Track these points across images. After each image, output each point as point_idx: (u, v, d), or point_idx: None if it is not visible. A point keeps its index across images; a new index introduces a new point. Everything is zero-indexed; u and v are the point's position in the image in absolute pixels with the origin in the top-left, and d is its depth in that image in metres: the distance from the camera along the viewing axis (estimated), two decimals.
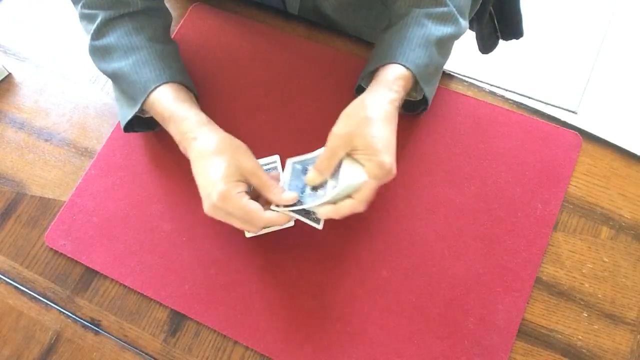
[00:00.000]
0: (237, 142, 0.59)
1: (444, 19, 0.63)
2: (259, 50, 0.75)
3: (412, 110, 0.68)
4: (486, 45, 1.01)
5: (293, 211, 0.58)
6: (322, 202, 0.56)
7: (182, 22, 0.78)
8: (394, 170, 0.57)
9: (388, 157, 0.56)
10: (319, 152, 0.59)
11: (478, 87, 0.72)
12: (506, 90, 1.63)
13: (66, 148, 0.73)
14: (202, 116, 0.61)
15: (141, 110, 0.63)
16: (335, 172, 0.57)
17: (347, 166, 0.56)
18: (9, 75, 0.78)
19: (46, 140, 0.74)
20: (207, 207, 0.57)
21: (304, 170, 0.61)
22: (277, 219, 0.57)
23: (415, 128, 0.69)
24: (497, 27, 0.97)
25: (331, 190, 0.56)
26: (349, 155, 0.57)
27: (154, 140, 0.71)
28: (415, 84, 0.62)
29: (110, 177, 0.70)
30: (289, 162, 0.62)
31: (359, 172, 0.56)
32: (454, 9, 0.64)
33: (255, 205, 0.56)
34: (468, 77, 0.76)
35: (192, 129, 0.60)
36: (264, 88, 0.73)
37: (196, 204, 0.67)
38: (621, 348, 0.59)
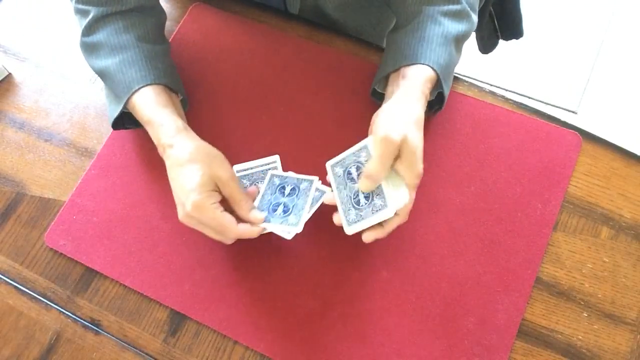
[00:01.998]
0: (214, 152, 0.59)
1: (459, 16, 0.63)
2: (259, 50, 0.75)
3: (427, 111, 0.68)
4: (486, 45, 1.01)
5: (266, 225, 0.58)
6: (372, 223, 0.55)
7: (182, 22, 0.78)
8: None
9: (422, 165, 0.55)
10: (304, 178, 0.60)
11: (478, 87, 0.72)
12: (506, 90, 1.63)
13: (66, 148, 0.73)
14: (179, 123, 0.61)
15: (126, 108, 0.64)
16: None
17: (390, 185, 0.55)
18: (9, 75, 0.78)
19: (46, 140, 0.74)
20: (181, 216, 0.57)
21: (281, 189, 0.61)
22: (249, 232, 0.57)
23: None
24: (497, 27, 0.97)
25: (377, 215, 0.54)
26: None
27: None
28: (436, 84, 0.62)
29: (110, 177, 0.70)
30: (316, 181, 0.61)
31: (403, 192, 0.55)
32: (467, 6, 0.63)
33: (228, 217, 0.56)
34: (468, 77, 0.76)
35: (168, 136, 0.59)
36: (264, 88, 0.73)
37: None
38: (621, 348, 0.59)
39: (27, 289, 0.66)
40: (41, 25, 0.82)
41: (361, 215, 0.56)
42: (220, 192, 0.57)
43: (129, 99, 0.61)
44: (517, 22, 0.96)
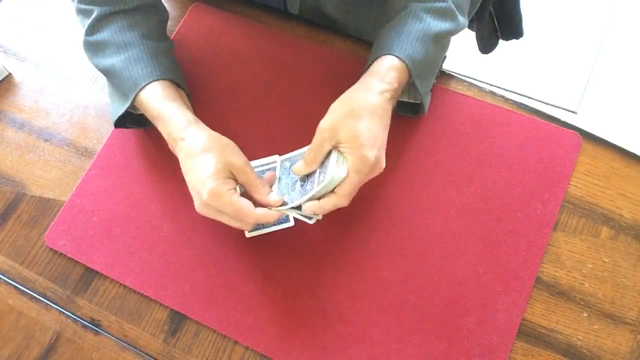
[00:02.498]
0: (226, 140, 0.59)
1: (443, 14, 0.63)
2: (259, 50, 0.75)
3: (416, 113, 0.68)
4: (486, 45, 1.01)
5: (285, 209, 0.58)
6: (307, 198, 0.56)
7: (182, 22, 0.78)
8: (382, 165, 0.57)
9: (372, 151, 0.55)
10: (307, 148, 0.59)
11: (478, 87, 0.72)
12: (506, 90, 1.63)
13: (66, 148, 0.73)
14: (189, 115, 0.61)
15: (132, 106, 0.64)
16: (323, 167, 0.57)
17: (333, 161, 0.56)
18: (9, 75, 0.78)
19: (46, 140, 0.74)
20: (198, 206, 0.57)
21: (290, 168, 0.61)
22: (268, 216, 0.57)
23: (415, 128, 0.69)
24: (497, 27, 0.97)
25: (316, 186, 0.56)
26: (335, 148, 0.56)
27: (154, 140, 0.71)
28: (410, 88, 0.62)
29: (110, 177, 0.70)
30: (278, 160, 0.63)
31: (342, 167, 0.55)
32: (453, 5, 0.63)
33: (245, 202, 0.55)
34: (468, 77, 0.76)
35: (179, 129, 0.59)
36: (264, 88, 0.73)
37: None
38: (621, 348, 0.59)
39: (27, 289, 0.66)
40: (41, 25, 0.82)
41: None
42: (235, 180, 0.57)
43: (136, 95, 0.62)
44: (517, 22, 0.96)
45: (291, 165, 0.61)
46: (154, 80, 0.62)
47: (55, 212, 0.69)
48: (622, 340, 0.60)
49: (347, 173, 0.55)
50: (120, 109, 0.64)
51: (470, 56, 1.11)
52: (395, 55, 0.59)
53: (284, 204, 0.58)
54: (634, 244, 0.63)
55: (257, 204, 0.57)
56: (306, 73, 0.74)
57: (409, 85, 0.64)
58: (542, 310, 0.61)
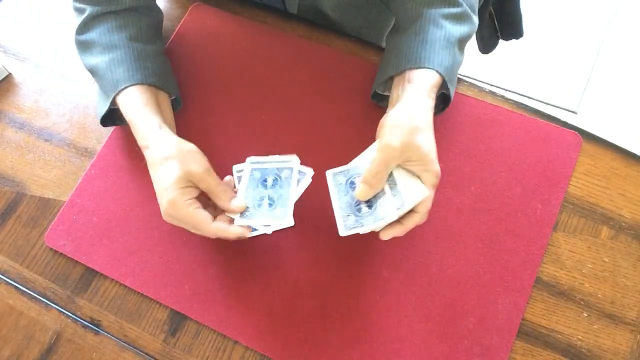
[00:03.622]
0: (187, 147, 0.58)
1: (460, 18, 0.63)
2: (259, 50, 0.75)
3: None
4: (486, 45, 1.01)
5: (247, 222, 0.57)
6: (387, 222, 0.54)
7: (182, 22, 0.78)
8: None
9: (439, 166, 0.56)
10: (280, 160, 0.59)
11: (478, 87, 0.72)
12: (506, 90, 1.63)
13: (66, 148, 0.73)
14: (155, 122, 0.61)
15: (116, 106, 0.64)
16: (390, 187, 0.56)
17: (405, 181, 0.55)
18: (9, 75, 0.78)
19: (46, 140, 0.74)
20: (162, 215, 0.58)
21: (263, 181, 0.59)
22: (225, 231, 0.56)
23: None
24: (497, 27, 0.97)
25: (394, 210, 0.54)
26: (399, 166, 0.55)
27: None
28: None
29: (110, 177, 0.70)
30: (249, 166, 0.60)
31: (420, 187, 0.55)
32: (467, 8, 0.64)
33: (202, 215, 0.56)
34: (468, 77, 0.76)
35: (144, 137, 0.60)
36: (264, 88, 0.73)
37: None
38: (621, 348, 0.59)
39: (27, 289, 0.66)
40: (41, 25, 0.82)
41: (361, 223, 0.55)
42: (197, 187, 0.57)
43: (115, 97, 0.62)
44: (517, 22, 0.96)
45: (261, 177, 0.59)
46: (133, 85, 0.62)
47: (55, 212, 0.69)
48: (622, 340, 0.60)
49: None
50: (103, 108, 0.65)
51: (470, 56, 1.11)
52: (434, 69, 0.59)
53: (358, 225, 0.55)
54: (634, 244, 0.63)
55: (220, 211, 0.58)
56: (306, 73, 0.74)
57: None
58: (542, 310, 0.61)
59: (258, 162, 0.61)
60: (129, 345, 0.63)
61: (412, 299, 0.62)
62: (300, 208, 0.66)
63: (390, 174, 0.55)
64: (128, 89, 0.62)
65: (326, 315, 0.62)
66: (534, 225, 0.64)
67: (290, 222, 0.61)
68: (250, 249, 0.65)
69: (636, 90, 1.60)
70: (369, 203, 0.56)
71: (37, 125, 0.75)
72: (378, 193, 0.55)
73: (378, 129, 0.59)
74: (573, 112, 1.60)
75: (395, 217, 0.54)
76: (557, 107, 1.61)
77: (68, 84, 0.77)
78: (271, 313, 0.62)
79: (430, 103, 0.58)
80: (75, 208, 0.69)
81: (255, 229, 0.63)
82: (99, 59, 0.64)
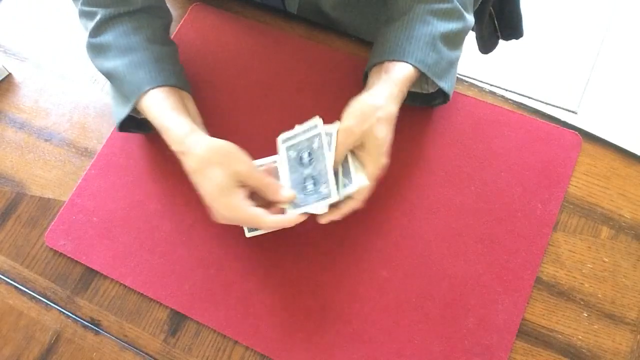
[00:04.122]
0: (226, 148, 0.58)
1: (449, 15, 0.63)
2: (259, 50, 0.75)
3: (427, 103, 0.69)
4: (486, 45, 1.01)
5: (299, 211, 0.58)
6: (327, 203, 0.56)
7: (182, 22, 0.78)
8: None
9: (386, 159, 0.58)
10: (306, 128, 0.59)
11: (478, 87, 0.72)
12: (506, 90, 1.63)
13: (66, 148, 0.73)
14: (187, 125, 0.60)
15: (134, 111, 0.63)
16: (340, 170, 0.58)
17: (353, 168, 0.57)
18: (9, 75, 0.78)
19: (46, 140, 0.74)
20: (215, 218, 0.58)
21: (299, 160, 0.60)
22: (283, 221, 0.57)
23: (415, 128, 0.69)
24: (497, 27, 0.97)
25: (336, 193, 0.56)
26: (351, 151, 0.58)
27: (154, 140, 0.71)
28: (420, 79, 0.64)
29: (110, 177, 0.70)
30: (282, 146, 0.61)
31: (362, 177, 0.57)
32: (459, 5, 0.64)
33: (258, 212, 0.56)
34: (468, 77, 0.76)
35: (178, 142, 0.59)
36: (264, 88, 0.73)
37: (196, 204, 0.67)
38: (621, 348, 0.59)
39: (27, 289, 0.66)
40: (41, 25, 0.82)
41: (306, 201, 0.58)
42: (244, 187, 0.57)
43: (138, 100, 0.61)
44: (517, 22, 0.95)
45: (297, 155, 0.60)
46: (156, 87, 0.61)
47: (55, 212, 0.69)
48: (622, 340, 0.60)
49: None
50: (123, 112, 0.63)
51: (470, 56, 1.11)
52: (410, 63, 0.60)
53: (302, 204, 0.58)
54: (634, 244, 0.63)
55: (270, 204, 0.58)
56: (306, 73, 0.74)
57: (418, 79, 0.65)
58: (542, 310, 0.61)
59: (289, 139, 0.61)
60: (129, 345, 0.63)
61: (412, 299, 0.62)
62: None
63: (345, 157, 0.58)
64: (151, 91, 0.61)
65: (326, 315, 0.62)
66: (534, 225, 0.64)
67: (335, 196, 0.59)
68: (250, 249, 0.65)
69: (636, 90, 1.60)
70: (314, 183, 0.58)
71: (37, 125, 0.75)
72: (323, 174, 0.58)
73: (345, 109, 0.60)
74: (573, 112, 1.60)
75: (337, 199, 0.56)
76: (557, 107, 1.61)
77: (68, 84, 0.77)
78: (271, 313, 0.62)
79: (399, 97, 0.60)
80: (75, 208, 0.69)
81: (257, 229, 0.64)
82: (117, 62, 0.63)
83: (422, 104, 0.69)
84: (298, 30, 0.77)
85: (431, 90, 0.67)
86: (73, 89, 0.77)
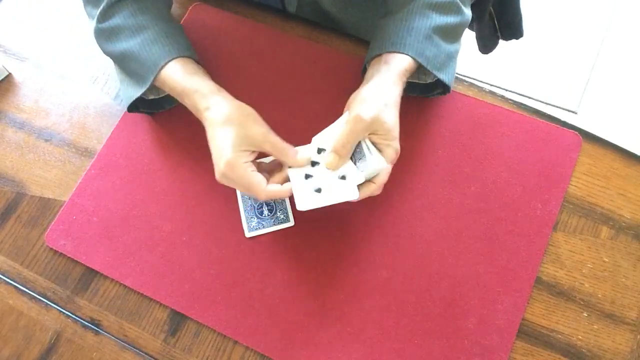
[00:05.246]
0: (247, 110, 0.60)
1: (447, 9, 0.64)
2: (259, 50, 0.75)
3: (425, 93, 0.70)
4: (486, 45, 1.01)
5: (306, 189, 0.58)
6: (346, 187, 0.57)
7: (182, 22, 0.78)
8: None
9: (399, 144, 0.59)
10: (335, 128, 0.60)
11: (478, 87, 0.72)
12: (506, 90, 1.63)
13: (66, 148, 0.73)
14: (213, 86, 0.62)
15: (150, 89, 0.65)
16: (354, 157, 0.59)
17: (369, 151, 0.58)
18: (9, 75, 0.78)
19: (46, 140, 0.74)
20: (217, 174, 0.59)
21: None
22: (279, 192, 0.58)
23: (415, 128, 0.69)
24: (497, 27, 0.97)
25: (356, 175, 0.57)
26: (364, 138, 0.58)
27: (154, 140, 0.71)
28: (418, 70, 0.65)
29: (110, 177, 0.70)
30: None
31: (381, 158, 0.58)
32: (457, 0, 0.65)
33: (257, 178, 0.57)
34: (468, 77, 0.76)
35: (204, 100, 0.61)
36: (264, 88, 0.73)
37: (196, 204, 0.67)
38: (621, 348, 0.59)
39: (27, 289, 0.66)
40: (41, 25, 0.82)
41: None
42: (254, 152, 0.58)
43: (158, 75, 0.63)
44: (517, 22, 0.95)
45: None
46: (173, 59, 0.63)
47: (55, 212, 0.69)
48: (622, 340, 0.60)
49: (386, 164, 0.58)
50: (136, 92, 0.65)
51: (470, 56, 1.11)
52: (410, 56, 0.61)
53: (318, 190, 0.58)
54: (634, 244, 0.63)
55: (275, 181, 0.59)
56: (306, 73, 0.74)
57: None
58: (542, 310, 0.61)
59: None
60: (129, 345, 0.63)
61: (412, 299, 0.62)
62: None
63: (358, 144, 0.58)
64: (169, 64, 0.63)
65: (326, 315, 0.62)
66: (534, 225, 0.64)
67: (290, 222, 0.63)
68: (250, 249, 0.65)
69: (636, 90, 1.60)
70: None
71: (37, 125, 0.75)
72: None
73: (348, 103, 0.61)
74: (573, 112, 1.60)
75: (357, 183, 0.57)
76: (557, 107, 1.61)
77: (68, 84, 0.77)
78: (271, 313, 0.62)
79: (399, 85, 0.61)
80: (75, 208, 0.69)
81: (257, 228, 0.64)
82: (130, 43, 0.64)
83: (420, 93, 0.70)
84: (298, 30, 0.77)
85: (429, 80, 0.68)
86: (73, 89, 0.77)
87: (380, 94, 0.59)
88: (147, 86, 0.63)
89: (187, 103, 0.63)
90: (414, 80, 0.68)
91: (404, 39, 0.62)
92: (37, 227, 0.69)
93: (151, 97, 0.69)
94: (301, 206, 0.56)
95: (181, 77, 0.62)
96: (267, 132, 0.59)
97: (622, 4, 1.72)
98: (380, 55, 0.63)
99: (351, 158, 0.58)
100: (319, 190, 0.57)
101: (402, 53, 0.61)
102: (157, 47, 0.63)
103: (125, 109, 0.67)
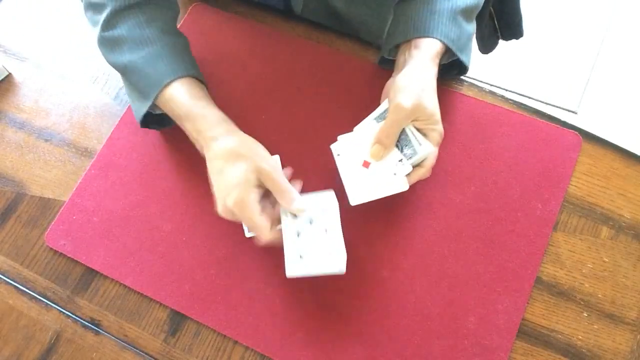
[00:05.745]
0: (256, 145, 0.59)
1: None
2: (259, 50, 0.75)
3: (440, 75, 0.69)
4: (486, 45, 1.01)
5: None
6: (402, 173, 0.58)
7: (182, 22, 0.78)
8: None
9: (442, 126, 0.60)
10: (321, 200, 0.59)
11: (478, 87, 0.72)
12: (506, 90, 1.63)
13: (66, 148, 0.73)
14: (220, 114, 0.61)
15: (153, 106, 0.62)
16: (400, 145, 0.59)
17: (415, 138, 0.58)
18: (9, 75, 0.78)
19: (46, 140, 0.74)
20: (220, 209, 0.57)
21: (309, 222, 0.59)
22: (276, 241, 0.57)
23: None
24: (497, 27, 0.97)
25: (407, 162, 0.58)
26: (407, 126, 0.59)
27: (154, 140, 0.71)
28: (445, 54, 0.65)
29: (110, 177, 0.70)
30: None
31: (427, 143, 0.58)
32: None
33: (264, 223, 0.56)
34: (468, 77, 0.76)
35: (211, 128, 0.59)
36: (264, 88, 0.73)
37: (196, 204, 0.67)
38: (621, 348, 0.59)
39: (27, 289, 0.66)
40: (41, 25, 0.82)
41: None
42: (261, 187, 0.57)
43: (160, 93, 0.60)
44: (517, 22, 0.95)
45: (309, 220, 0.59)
46: (178, 77, 0.61)
47: (55, 212, 0.69)
48: (622, 340, 0.60)
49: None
50: (142, 108, 0.63)
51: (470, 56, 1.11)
52: (439, 39, 0.61)
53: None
54: (634, 244, 0.63)
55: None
56: (306, 73, 0.74)
57: None
58: (542, 310, 0.61)
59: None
60: (129, 345, 0.63)
61: (412, 299, 0.62)
62: None
63: (402, 132, 0.59)
64: (173, 83, 0.60)
65: (326, 315, 0.62)
66: (534, 225, 0.64)
67: (409, 168, 0.60)
68: (251, 249, 0.65)
69: (636, 90, 1.60)
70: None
71: (37, 125, 0.75)
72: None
73: (385, 91, 0.62)
74: (573, 112, 1.60)
75: (409, 169, 0.58)
76: (557, 107, 1.61)
77: (68, 84, 0.77)
78: (271, 313, 0.62)
79: (434, 69, 0.61)
80: (75, 208, 0.69)
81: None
82: (133, 55, 0.62)
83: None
84: (298, 30, 0.77)
85: (444, 61, 0.67)
86: (73, 89, 0.77)
87: (417, 79, 0.59)
88: (150, 103, 0.61)
89: (187, 127, 0.61)
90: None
91: (429, 22, 0.62)
92: (37, 227, 0.69)
93: (158, 111, 0.66)
94: (354, 200, 0.58)
95: (187, 99, 0.60)
96: (275, 169, 0.57)
97: (622, 4, 1.72)
98: (409, 41, 0.63)
99: (397, 146, 0.59)
100: (303, 256, 0.56)
101: (431, 37, 0.61)
102: (162, 63, 0.61)
103: (139, 125, 0.65)
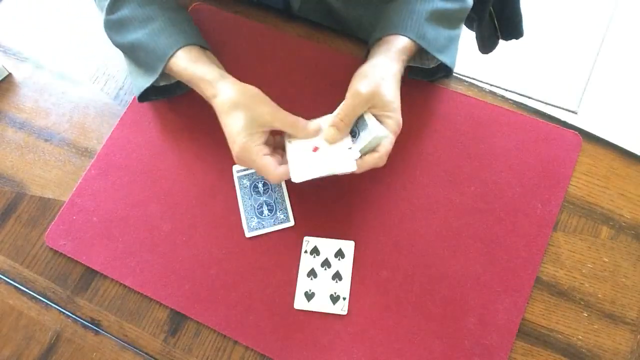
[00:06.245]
0: (253, 91, 0.61)
1: None
2: (259, 50, 0.75)
3: (429, 78, 0.71)
4: (486, 45, 1.01)
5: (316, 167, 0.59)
6: (344, 159, 0.58)
7: None
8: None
9: (400, 116, 0.60)
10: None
11: (478, 87, 0.72)
12: (506, 90, 1.63)
13: (66, 148, 0.73)
14: (217, 72, 0.63)
15: (161, 76, 0.66)
16: (355, 131, 0.60)
17: (371, 121, 0.59)
18: (9, 75, 0.78)
19: (46, 140, 0.74)
20: (234, 158, 0.60)
21: (254, 188, 0.65)
22: (287, 174, 0.59)
23: (415, 128, 0.69)
24: (497, 27, 0.97)
25: (361, 142, 0.58)
26: (365, 112, 0.60)
27: (154, 141, 0.71)
28: (419, 52, 0.67)
29: (110, 177, 0.70)
30: (236, 176, 0.66)
31: (382, 127, 0.59)
32: None
33: (268, 161, 0.59)
34: (468, 77, 0.76)
35: (210, 87, 0.62)
36: (264, 88, 0.73)
37: (196, 204, 0.67)
38: (621, 348, 0.59)
39: (27, 289, 0.66)
40: (41, 25, 0.82)
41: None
42: (264, 132, 0.60)
43: (166, 64, 0.64)
44: (517, 22, 0.96)
45: (251, 184, 0.65)
46: (179, 48, 0.64)
47: (55, 212, 0.69)
48: (622, 340, 0.60)
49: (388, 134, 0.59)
50: (146, 82, 0.66)
51: (470, 56, 1.11)
52: (407, 37, 0.63)
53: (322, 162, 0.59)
54: (634, 244, 0.63)
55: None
56: (306, 73, 0.74)
57: (418, 53, 0.68)
58: (542, 310, 0.61)
59: (243, 170, 0.67)
60: (129, 345, 0.63)
61: (412, 299, 0.62)
62: (300, 207, 0.66)
63: (360, 118, 0.60)
64: (177, 53, 0.64)
65: (326, 315, 0.62)
66: (534, 225, 0.64)
67: (290, 222, 0.64)
68: (251, 249, 0.65)
69: (636, 90, 1.60)
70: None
71: (37, 125, 0.75)
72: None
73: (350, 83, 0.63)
74: (573, 112, 1.60)
75: (360, 148, 0.58)
76: (557, 107, 1.61)
77: (68, 84, 0.77)
78: (271, 313, 0.62)
79: (397, 63, 0.63)
80: (75, 208, 0.69)
81: (257, 228, 0.64)
82: (138, 33, 0.66)
83: (423, 77, 0.71)
84: (298, 30, 0.77)
85: (432, 65, 0.69)
86: (73, 89, 0.77)
87: (378, 69, 0.61)
88: (157, 76, 0.65)
89: (196, 90, 0.65)
90: (417, 65, 0.70)
91: (405, 21, 0.64)
92: (37, 227, 0.69)
93: (162, 83, 0.70)
94: (296, 177, 0.58)
95: (186, 65, 0.64)
96: (275, 110, 0.60)
97: (622, 4, 1.72)
98: (381, 38, 0.65)
99: (354, 131, 0.60)
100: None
101: (402, 35, 0.63)
102: (165, 36, 0.65)
103: (136, 99, 0.68)
